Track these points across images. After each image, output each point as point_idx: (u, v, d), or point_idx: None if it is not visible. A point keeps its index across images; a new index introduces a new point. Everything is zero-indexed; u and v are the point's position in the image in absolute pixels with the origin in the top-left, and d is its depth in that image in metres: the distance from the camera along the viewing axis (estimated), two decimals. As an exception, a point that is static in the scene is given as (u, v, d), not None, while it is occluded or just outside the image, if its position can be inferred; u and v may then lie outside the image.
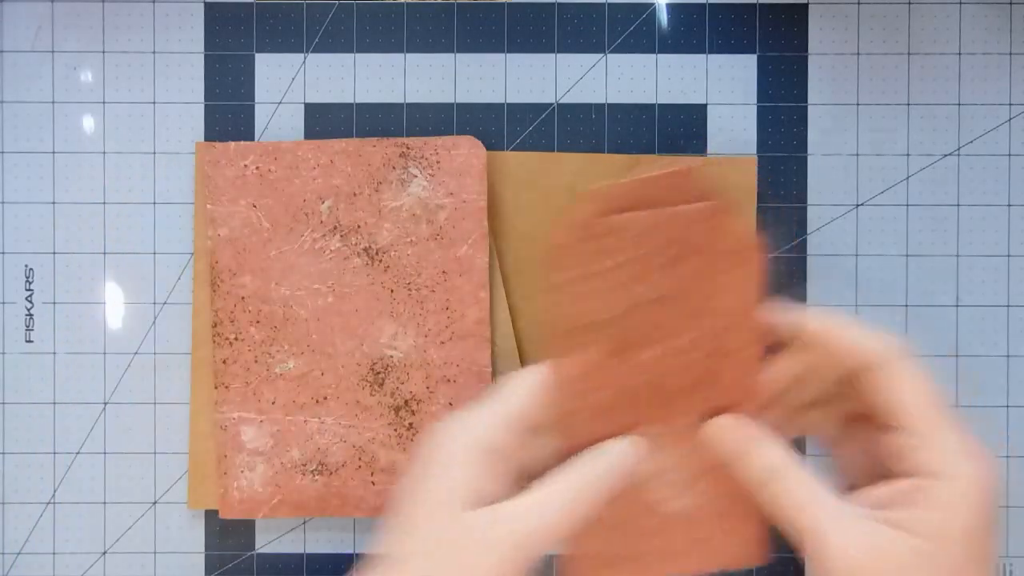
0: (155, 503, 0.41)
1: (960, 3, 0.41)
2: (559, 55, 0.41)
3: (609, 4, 0.41)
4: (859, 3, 0.41)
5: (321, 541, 0.41)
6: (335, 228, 0.39)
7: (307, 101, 0.41)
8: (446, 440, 0.29)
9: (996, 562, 0.28)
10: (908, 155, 0.41)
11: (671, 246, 0.30)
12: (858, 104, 0.41)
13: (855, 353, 0.28)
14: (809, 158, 0.41)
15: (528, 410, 0.30)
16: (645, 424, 0.30)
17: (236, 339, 0.39)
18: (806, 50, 0.41)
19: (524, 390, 0.30)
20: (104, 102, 0.41)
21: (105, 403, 0.41)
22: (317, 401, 0.39)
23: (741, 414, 0.30)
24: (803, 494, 0.27)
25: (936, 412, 0.27)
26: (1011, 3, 0.41)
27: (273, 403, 0.39)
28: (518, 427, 0.30)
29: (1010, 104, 0.41)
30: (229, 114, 0.41)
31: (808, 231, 0.41)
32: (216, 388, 0.39)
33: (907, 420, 0.27)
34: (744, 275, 0.30)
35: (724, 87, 0.41)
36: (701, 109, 0.41)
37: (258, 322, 0.39)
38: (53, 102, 0.41)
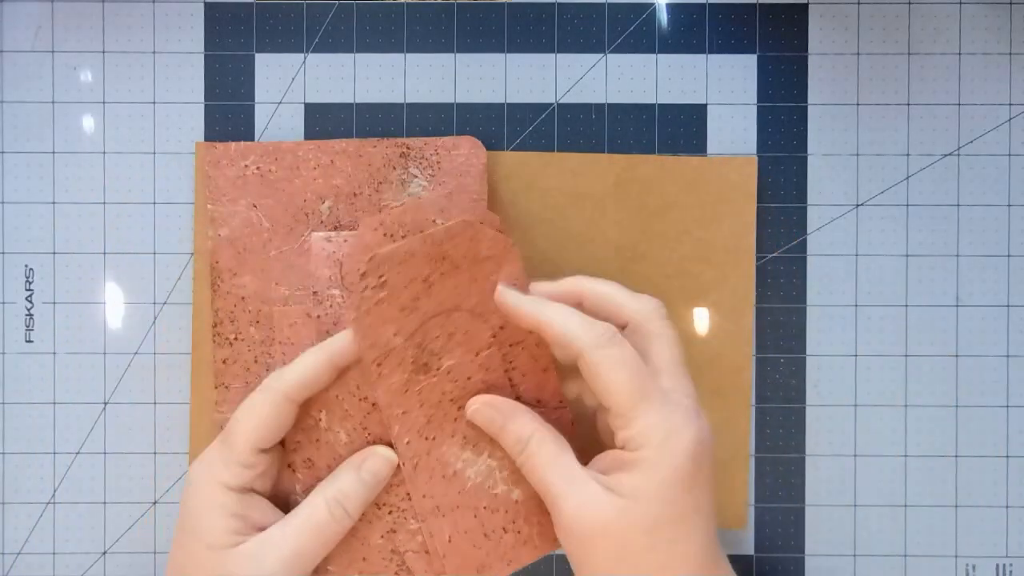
0: (155, 503, 0.41)
1: (960, 3, 0.41)
2: (559, 55, 0.41)
3: (609, 4, 0.41)
4: (859, 3, 0.41)
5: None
6: (335, 228, 0.39)
7: (307, 101, 0.41)
8: (195, 481, 0.32)
9: (708, 515, 0.31)
10: (908, 155, 0.41)
11: (438, 263, 0.33)
12: (858, 104, 0.41)
13: (568, 343, 0.31)
14: (809, 158, 0.41)
15: (259, 440, 0.32)
16: (462, 430, 0.34)
17: (236, 339, 0.39)
18: (806, 50, 0.41)
19: (252, 422, 0.32)
20: (104, 102, 0.41)
21: (105, 403, 0.41)
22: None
23: (540, 403, 0.34)
24: (545, 461, 0.31)
25: (635, 393, 0.30)
26: (1011, 3, 0.41)
27: (273, 403, 0.39)
28: (250, 456, 0.32)
29: (1010, 104, 0.41)
30: (229, 114, 0.41)
31: (808, 231, 0.41)
32: (216, 388, 0.39)
33: (611, 402, 0.30)
34: (508, 273, 0.34)
35: (724, 87, 0.41)
36: (701, 109, 0.41)
37: (258, 322, 0.39)
38: (53, 102, 0.41)
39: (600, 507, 0.30)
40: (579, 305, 0.33)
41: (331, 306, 0.36)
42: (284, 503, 0.34)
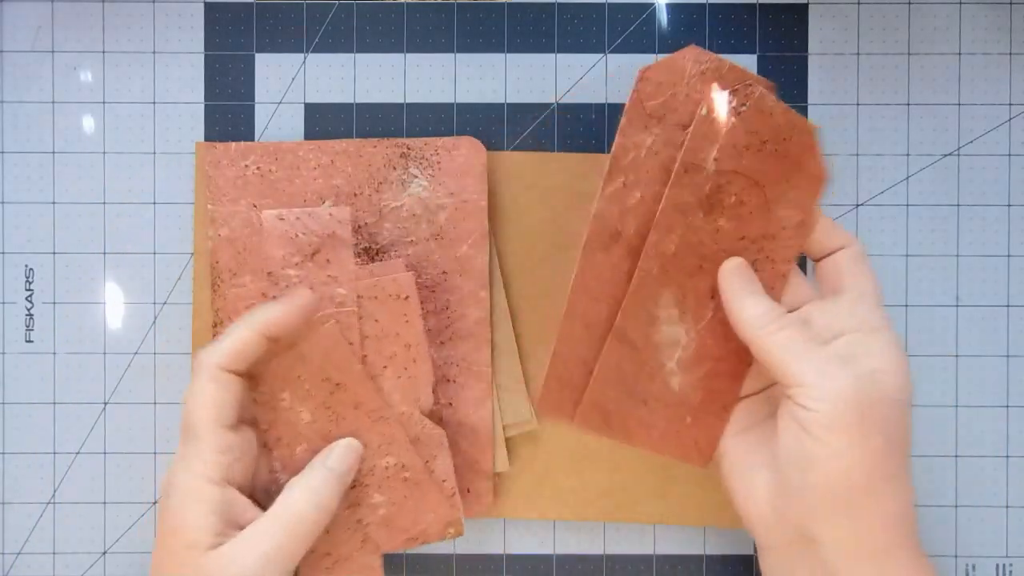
0: (155, 503, 0.41)
1: (960, 3, 0.41)
2: (559, 55, 0.41)
3: (609, 4, 0.41)
4: (859, 3, 0.41)
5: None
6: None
7: (307, 101, 0.41)
8: (173, 482, 0.32)
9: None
10: (908, 155, 0.41)
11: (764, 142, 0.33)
12: (858, 104, 0.41)
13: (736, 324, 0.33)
14: (809, 158, 0.41)
15: (216, 418, 0.32)
16: (677, 287, 0.34)
17: (236, 339, 0.39)
18: (806, 50, 0.41)
19: (202, 404, 0.32)
20: (104, 102, 0.41)
21: (105, 403, 0.41)
22: (317, 401, 0.39)
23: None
24: (790, 341, 0.31)
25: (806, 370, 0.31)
26: (1011, 3, 0.41)
27: (273, 403, 0.39)
28: (224, 441, 0.32)
29: (1010, 104, 0.41)
30: (229, 114, 0.41)
31: (808, 231, 0.41)
32: (216, 388, 0.39)
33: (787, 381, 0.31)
34: (808, 184, 0.34)
35: (724, 87, 0.41)
36: (701, 109, 0.41)
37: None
38: (53, 102, 0.41)
39: (868, 391, 0.30)
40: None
41: (286, 286, 0.36)
42: (266, 494, 0.34)
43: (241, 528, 0.31)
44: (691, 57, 0.34)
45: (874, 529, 0.30)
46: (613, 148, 0.34)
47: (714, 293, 0.34)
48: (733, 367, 0.35)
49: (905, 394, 0.30)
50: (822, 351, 0.31)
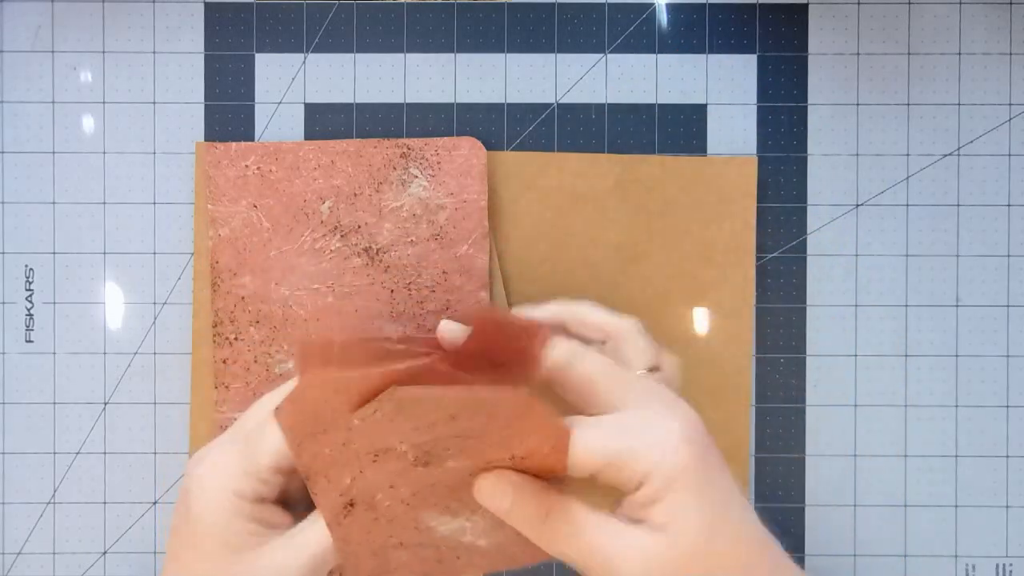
0: (155, 503, 0.41)
1: (960, 3, 0.41)
2: (559, 55, 0.41)
3: (609, 4, 0.41)
4: (859, 3, 0.41)
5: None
6: (335, 228, 0.39)
7: (307, 101, 0.41)
8: (205, 492, 0.31)
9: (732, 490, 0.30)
10: (908, 155, 0.41)
11: (474, 413, 0.28)
12: (858, 104, 0.41)
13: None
14: (809, 158, 0.41)
15: (280, 458, 0.31)
16: (447, 503, 0.31)
17: (236, 339, 0.39)
18: (806, 50, 0.41)
19: (276, 439, 0.30)
20: (104, 102, 0.41)
21: (105, 403, 0.41)
22: (317, 401, 0.39)
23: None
24: (583, 522, 0.29)
25: (613, 396, 0.30)
26: (1011, 3, 0.41)
27: (273, 403, 0.39)
28: (270, 475, 0.31)
29: (1010, 104, 0.41)
30: (229, 114, 0.41)
31: (808, 231, 0.41)
32: (216, 388, 0.39)
33: (596, 406, 0.30)
34: (552, 436, 0.29)
35: (724, 87, 0.41)
36: (701, 109, 0.41)
37: (258, 322, 0.39)
38: (53, 102, 0.41)
39: (657, 548, 0.29)
40: (563, 329, 0.33)
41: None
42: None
43: (274, 528, 0.31)
44: (315, 384, 0.29)
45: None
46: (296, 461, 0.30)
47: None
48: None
49: (704, 521, 0.29)
50: (601, 526, 0.29)
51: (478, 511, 0.31)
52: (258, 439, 0.31)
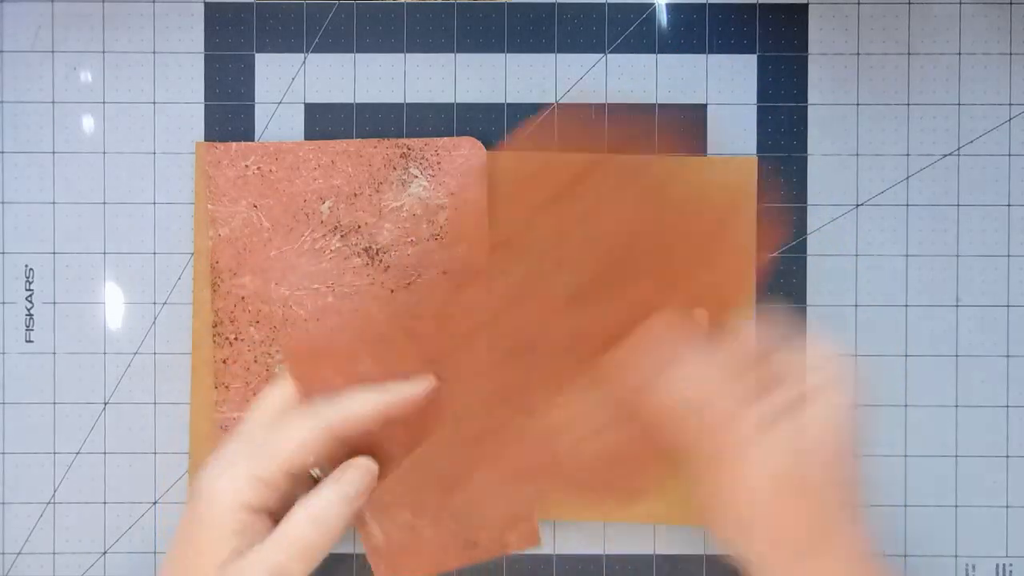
0: (155, 503, 0.41)
1: (960, 3, 0.41)
2: (559, 55, 0.41)
3: (609, 4, 0.41)
4: (859, 3, 0.41)
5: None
6: (335, 228, 0.39)
7: (307, 101, 0.41)
8: (215, 501, 0.31)
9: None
10: (908, 155, 0.41)
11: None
12: (858, 104, 0.41)
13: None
14: (809, 158, 0.41)
15: (293, 466, 0.31)
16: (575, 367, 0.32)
17: (236, 339, 0.39)
18: (806, 50, 0.41)
19: (291, 447, 0.31)
20: (104, 102, 0.41)
21: (105, 403, 0.41)
22: (317, 401, 0.39)
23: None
24: (722, 412, 0.30)
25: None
26: (1011, 3, 0.41)
27: (273, 403, 0.39)
28: (282, 479, 0.31)
29: (1010, 104, 0.41)
30: (229, 114, 0.41)
31: (808, 231, 0.41)
32: (216, 388, 0.39)
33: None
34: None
35: (724, 87, 0.41)
36: (701, 109, 0.41)
37: (258, 322, 0.39)
38: (53, 102, 0.41)
39: (784, 449, 0.29)
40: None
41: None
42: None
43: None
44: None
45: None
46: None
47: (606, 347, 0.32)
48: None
49: (841, 449, 0.30)
50: (745, 432, 0.30)
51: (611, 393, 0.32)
52: (271, 441, 0.31)
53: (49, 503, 0.41)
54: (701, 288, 0.33)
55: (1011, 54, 0.41)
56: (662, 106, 0.41)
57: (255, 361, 0.39)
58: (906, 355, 0.41)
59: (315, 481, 0.33)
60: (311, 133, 0.41)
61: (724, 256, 0.33)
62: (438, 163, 0.39)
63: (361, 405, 0.31)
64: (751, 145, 0.41)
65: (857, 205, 0.41)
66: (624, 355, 0.32)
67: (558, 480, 0.34)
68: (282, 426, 0.31)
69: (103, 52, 0.41)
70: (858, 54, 0.41)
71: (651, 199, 0.32)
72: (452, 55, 0.41)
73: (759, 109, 0.41)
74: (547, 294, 0.33)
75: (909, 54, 0.41)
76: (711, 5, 0.41)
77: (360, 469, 0.33)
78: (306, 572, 0.31)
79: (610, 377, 0.32)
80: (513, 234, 0.32)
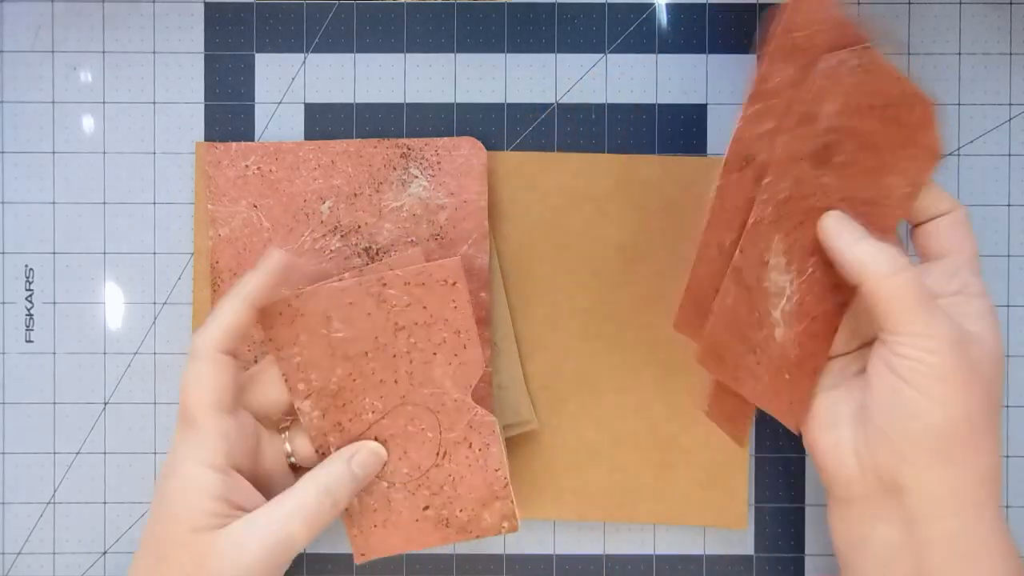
0: (155, 503, 0.41)
1: (960, 3, 0.41)
2: (559, 55, 0.41)
3: (609, 4, 0.41)
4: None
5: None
6: (335, 228, 0.39)
7: (307, 101, 0.41)
8: (175, 468, 0.32)
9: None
10: (908, 155, 0.41)
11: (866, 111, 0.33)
12: (858, 104, 0.41)
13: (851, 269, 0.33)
14: (809, 158, 0.41)
15: (214, 403, 0.32)
16: (785, 235, 0.33)
17: (236, 339, 0.39)
18: (806, 50, 0.41)
19: (199, 391, 0.32)
20: (104, 102, 0.41)
21: (105, 403, 0.41)
22: (317, 401, 0.39)
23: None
24: (906, 286, 0.30)
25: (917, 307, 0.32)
26: (1011, 3, 0.41)
27: (273, 403, 0.39)
28: (222, 426, 0.32)
29: (1010, 104, 0.41)
30: (229, 114, 0.41)
31: (808, 231, 0.41)
32: (216, 388, 0.39)
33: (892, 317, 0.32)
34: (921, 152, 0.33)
35: (724, 87, 0.41)
36: (701, 109, 0.41)
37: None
38: (53, 102, 0.41)
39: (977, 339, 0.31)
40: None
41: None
42: (268, 484, 0.34)
43: (244, 511, 0.31)
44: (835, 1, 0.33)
45: (967, 483, 0.30)
46: (758, 72, 0.33)
47: (814, 249, 0.33)
48: (825, 328, 0.34)
49: (1000, 360, 0.31)
50: (934, 302, 0.31)
51: (803, 274, 0.34)
52: (184, 400, 0.32)
53: (49, 503, 0.41)
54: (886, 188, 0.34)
55: (1011, 54, 0.41)
56: (662, 106, 0.41)
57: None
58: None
59: (281, 435, 0.35)
60: (311, 133, 0.41)
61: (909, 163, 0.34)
62: (438, 163, 0.39)
63: (228, 312, 0.33)
64: (751, 145, 0.41)
65: (857, 205, 0.41)
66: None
67: None
68: (184, 379, 0.32)
69: (103, 52, 0.41)
70: (858, 54, 0.41)
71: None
72: (452, 55, 0.41)
73: (759, 109, 0.41)
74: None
75: (909, 54, 0.41)
76: (711, 5, 0.41)
77: (369, 452, 0.34)
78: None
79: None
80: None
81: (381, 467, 0.35)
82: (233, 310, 0.33)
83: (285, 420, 0.36)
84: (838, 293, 0.34)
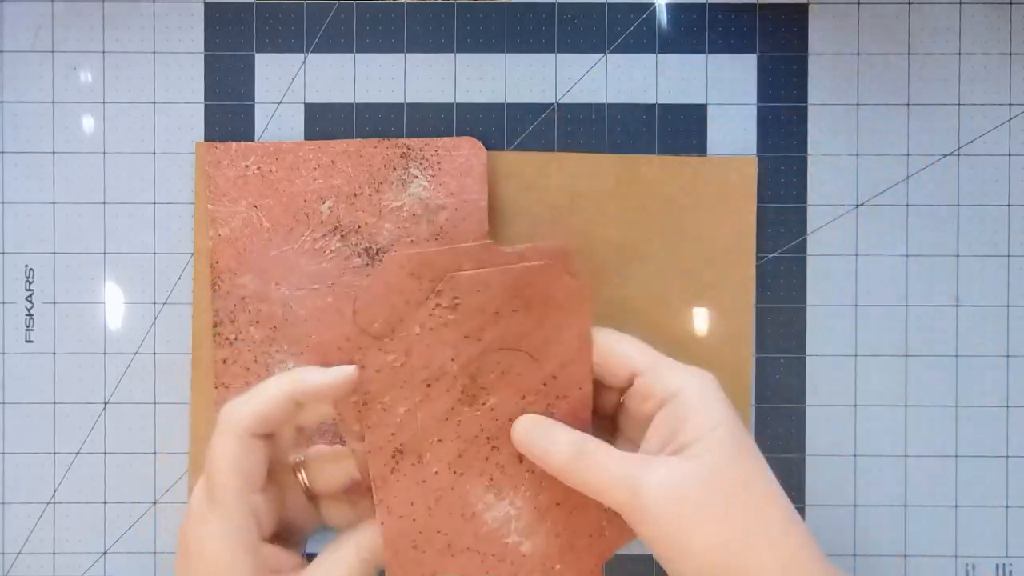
0: (155, 503, 0.41)
1: (960, 3, 0.41)
2: (559, 55, 0.41)
3: (609, 4, 0.41)
4: (859, 3, 0.41)
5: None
6: (335, 228, 0.39)
7: (307, 101, 0.41)
8: (204, 547, 0.30)
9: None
10: (908, 155, 0.41)
11: (511, 299, 0.32)
12: (858, 104, 0.41)
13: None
14: (809, 158, 0.41)
15: (243, 485, 0.31)
16: (490, 470, 0.33)
17: (236, 339, 0.39)
18: (806, 50, 0.41)
19: (228, 469, 0.31)
20: (104, 102, 0.41)
21: (105, 403, 0.41)
22: (317, 401, 0.39)
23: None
24: (607, 457, 0.30)
25: (652, 357, 0.32)
26: (1011, 3, 0.41)
27: (273, 403, 0.39)
28: (252, 503, 0.31)
29: (1010, 104, 0.41)
30: (229, 114, 0.41)
31: (808, 231, 0.41)
32: (216, 388, 0.39)
33: (639, 366, 0.32)
34: (578, 324, 0.33)
35: (724, 87, 0.41)
36: (701, 109, 0.41)
37: (258, 322, 0.39)
38: (53, 102, 0.41)
39: (684, 473, 0.29)
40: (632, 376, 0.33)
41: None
42: (289, 522, 0.34)
43: (275, 572, 0.31)
44: (394, 266, 0.32)
45: None
46: (358, 380, 0.32)
47: (521, 457, 0.33)
48: (576, 511, 0.34)
49: (721, 446, 0.30)
50: (630, 459, 0.30)
51: (520, 488, 0.33)
52: (212, 473, 0.31)
53: (49, 503, 0.41)
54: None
55: (1011, 54, 0.41)
56: (662, 106, 0.41)
57: (255, 361, 0.39)
58: (906, 355, 0.41)
59: (296, 473, 0.34)
60: (311, 133, 0.41)
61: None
62: (438, 163, 0.39)
63: (270, 398, 0.31)
64: (751, 145, 0.41)
65: (857, 205, 0.41)
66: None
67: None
68: (213, 453, 0.31)
69: (103, 52, 0.41)
70: (858, 54, 0.41)
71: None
72: (452, 55, 0.41)
73: (759, 109, 0.41)
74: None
75: (909, 54, 0.41)
76: (711, 5, 0.41)
77: (372, 533, 0.33)
78: None
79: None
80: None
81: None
82: (275, 396, 0.31)
83: (298, 454, 0.35)
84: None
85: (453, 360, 0.32)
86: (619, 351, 0.33)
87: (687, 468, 0.29)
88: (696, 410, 0.30)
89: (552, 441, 0.32)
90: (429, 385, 0.33)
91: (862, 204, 0.41)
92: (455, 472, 0.33)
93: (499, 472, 0.33)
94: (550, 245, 0.33)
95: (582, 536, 0.34)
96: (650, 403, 0.32)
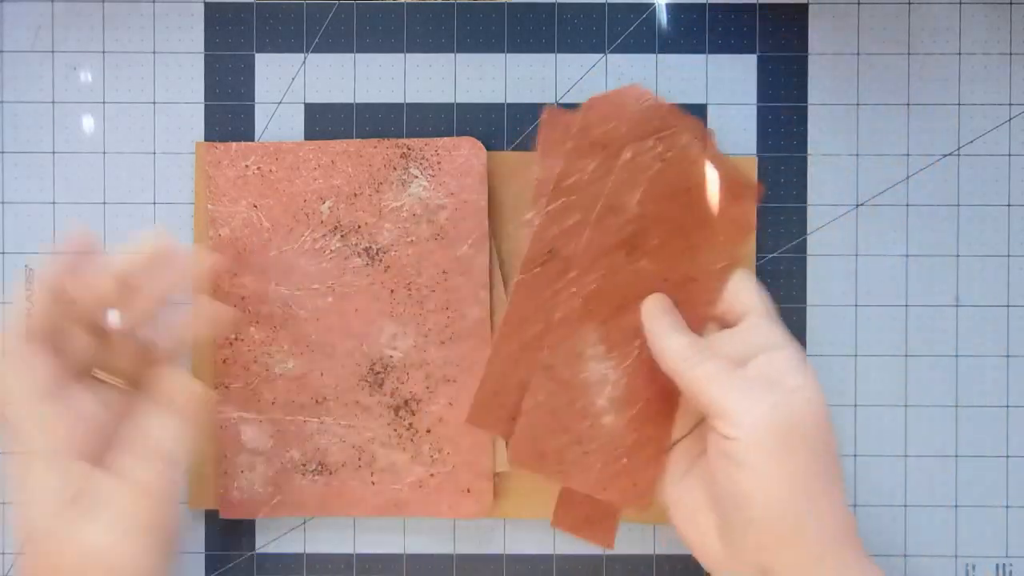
0: (155, 503, 0.41)
1: (960, 3, 0.41)
2: (559, 55, 0.41)
3: (609, 4, 0.41)
4: (859, 3, 0.41)
5: (321, 541, 0.41)
6: (335, 228, 0.39)
7: (307, 101, 0.41)
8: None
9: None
10: (908, 155, 0.41)
11: (671, 175, 0.34)
12: (858, 104, 0.41)
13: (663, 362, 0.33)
14: (809, 158, 0.41)
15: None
16: (611, 324, 0.34)
17: (236, 339, 0.39)
18: (806, 50, 0.41)
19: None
20: (104, 102, 0.41)
21: (105, 403, 0.41)
22: (317, 401, 0.39)
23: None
24: (713, 371, 0.31)
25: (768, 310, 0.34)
26: (1011, 3, 0.41)
27: (273, 403, 0.39)
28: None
29: (1010, 104, 0.41)
30: (229, 114, 0.41)
31: (808, 231, 0.41)
32: (216, 388, 0.39)
33: (753, 312, 0.34)
34: (732, 247, 0.35)
35: (724, 87, 0.41)
36: (701, 109, 0.41)
37: (258, 322, 0.39)
38: (53, 102, 0.41)
39: (785, 416, 0.30)
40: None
41: None
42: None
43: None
44: (633, 95, 0.34)
45: (824, 544, 0.30)
46: (559, 169, 0.34)
47: (638, 332, 0.34)
48: (662, 407, 0.34)
49: (819, 406, 0.31)
50: (741, 378, 0.31)
51: (628, 359, 0.34)
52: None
53: (49, 503, 0.41)
54: (700, 271, 0.35)
55: (1011, 54, 0.41)
56: (662, 106, 0.41)
57: (255, 361, 0.39)
58: (906, 355, 0.41)
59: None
60: (311, 133, 0.41)
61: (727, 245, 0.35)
62: (438, 163, 0.39)
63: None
64: (751, 145, 0.41)
65: (857, 205, 0.41)
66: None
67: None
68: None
69: (103, 52, 0.41)
70: (858, 54, 0.41)
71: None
72: (452, 55, 0.41)
73: (759, 109, 0.41)
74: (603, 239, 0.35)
75: (909, 54, 0.41)
76: (711, 5, 0.41)
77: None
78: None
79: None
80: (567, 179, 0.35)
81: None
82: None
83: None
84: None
85: (639, 204, 0.34)
86: (749, 289, 0.34)
87: (787, 413, 0.30)
88: (797, 369, 0.31)
89: (666, 337, 0.33)
90: (612, 208, 0.34)
91: (862, 204, 0.41)
92: (584, 309, 0.34)
93: (617, 332, 0.34)
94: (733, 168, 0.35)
95: (652, 447, 0.34)
96: (748, 346, 0.33)
